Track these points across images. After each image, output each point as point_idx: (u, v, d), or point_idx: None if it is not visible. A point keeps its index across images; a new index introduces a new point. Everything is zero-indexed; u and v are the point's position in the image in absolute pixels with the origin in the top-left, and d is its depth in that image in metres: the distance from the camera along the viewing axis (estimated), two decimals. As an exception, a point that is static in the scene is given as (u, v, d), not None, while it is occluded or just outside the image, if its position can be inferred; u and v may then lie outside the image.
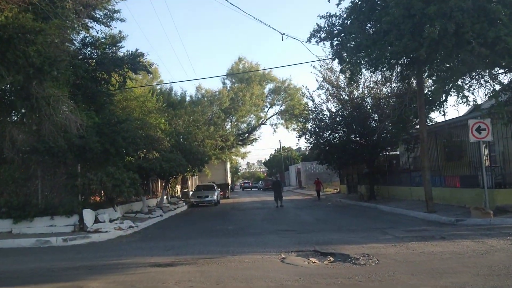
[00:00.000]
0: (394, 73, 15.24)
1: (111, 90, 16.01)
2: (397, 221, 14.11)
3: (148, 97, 21.41)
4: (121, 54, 15.86)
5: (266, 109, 38.12)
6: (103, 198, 16.12)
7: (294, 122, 36.26)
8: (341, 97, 23.35)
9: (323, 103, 23.98)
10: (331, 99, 23.77)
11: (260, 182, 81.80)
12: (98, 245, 11.54)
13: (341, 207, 22.14)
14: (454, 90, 11.89)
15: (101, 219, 13.55)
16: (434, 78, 13.00)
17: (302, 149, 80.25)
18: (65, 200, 13.21)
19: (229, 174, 41.03)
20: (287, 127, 38.28)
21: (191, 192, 31.33)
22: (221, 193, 34.54)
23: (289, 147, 75.59)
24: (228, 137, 32.62)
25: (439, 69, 12.47)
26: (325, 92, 23.90)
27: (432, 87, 15.36)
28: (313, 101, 23.48)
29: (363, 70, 17.71)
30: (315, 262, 8.05)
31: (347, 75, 18.33)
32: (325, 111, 23.62)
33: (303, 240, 10.60)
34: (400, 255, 8.01)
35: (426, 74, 13.43)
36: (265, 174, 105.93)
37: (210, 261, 8.18)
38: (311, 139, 24.81)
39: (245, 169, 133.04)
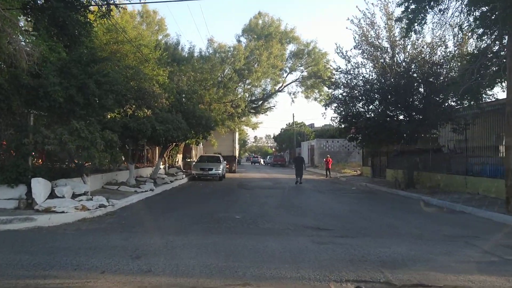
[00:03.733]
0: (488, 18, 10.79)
1: (88, 17, 11.81)
2: (471, 225, 10.17)
3: (145, 41, 17.23)
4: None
5: (285, 75, 33.42)
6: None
7: (317, 91, 31.80)
8: (382, 60, 19.04)
9: (358, 67, 19.67)
10: (370, 62, 19.46)
11: (268, 157, 78.06)
12: (39, 235, 7.71)
13: (373, 195, 18.18)
14: None
15: (59, 193, 9.70)
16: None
17: (316, 125, 75.90)
18: (9, 163, 9.32)
19: (237, 146, 37.00)
20: (307, 97, 33.52)
21: (194, 163, 27.53)
22: (227, 166, 30.81)
23: (302, 122, 71.38)
24: (239, 103, 28.31)
25: None
26: (362, 53, 19.61)
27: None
28: (348, 61, 19.14)
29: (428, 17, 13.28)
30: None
31: (404, 23, 14.07)
32: (360, 75, 19.32)
33: (354, 252, 6.67)
34: None
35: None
36: (273, 150, 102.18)
37: (203, 300, 4.28)
38: (340, 109, 20.60)
39: (253, 142, 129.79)
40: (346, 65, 19.60)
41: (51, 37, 11.02)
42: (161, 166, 23.85)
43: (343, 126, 21.04)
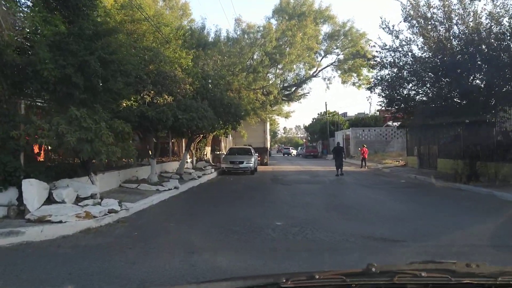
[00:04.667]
0: None
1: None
2: None
3: (164, 19, 15.23)
4: None
5: (319, 58, 30.58)
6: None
7: (355, 75, 28.99)
8: (437, 33, 16.40)
9: (408, 43, 17.05)
10: (421, 38, 16.84)
11: (300, 148, 75.51)
12: (20, 257, 5.84)
13: (429, 189, 15.73)
14: None
15: (57, 197, 7.88)
16: None
17: (349, 114, 72.73)
18: (-4, 161, 7.55)
19: (268, 137, 34.84)
20: (344, 81, 30.55)
21: (223, 156, 25.63)
22: (259, 159, 28.78)
23: (334, 111, 68.45)
24: (271, 89, 25.93)
25: None
26: (411, 28, 17.02)
27: None
28: (396, 36, 16.53)
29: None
30: None
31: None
32: (410, 52, 16.71)
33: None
34: None
35: None
36: (304, 140, 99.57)
37: None
38: (386, 93, 18.08)
39: (283, 133, 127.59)
40: (393, 41, 17.04)
41: (51, 11, 9.18)
42: (188, 160, 22.08)
43: (384, 111, 18.56)
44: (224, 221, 8.54)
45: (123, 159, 9.54)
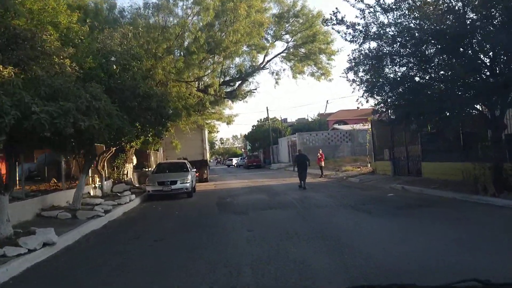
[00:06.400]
0: None
1: None
2: None
3: None
4: None
5: (267, 45, 24.78)
6: None
7: (313, 64, 23.72)
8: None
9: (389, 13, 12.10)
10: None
11: (240, 158, 70.48)
12: None
13: (450, 209, 10.87)
14: None
15: None
16: None
17: (289, 120, 68.78)
18: None
19: (207, 147, 28.95)
20: (299, 72, 24.58)
21: (149, 175, 19.38)
22: (197, 175, 22.99)
23: (274, 117, 64.07)
24: (210, 81, 19.82)
25: None
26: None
27: None
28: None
29: None
30: None
31: None
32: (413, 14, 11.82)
33: None
34: None
35: None
36: (243, 150, 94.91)
37: None
38: (368, 76, 13.13)
39: (221, 144, 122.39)
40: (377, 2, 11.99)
41: None
42: (97, 184, 15.66)
43: (376, 102, 13.59)
44: None
45: None
